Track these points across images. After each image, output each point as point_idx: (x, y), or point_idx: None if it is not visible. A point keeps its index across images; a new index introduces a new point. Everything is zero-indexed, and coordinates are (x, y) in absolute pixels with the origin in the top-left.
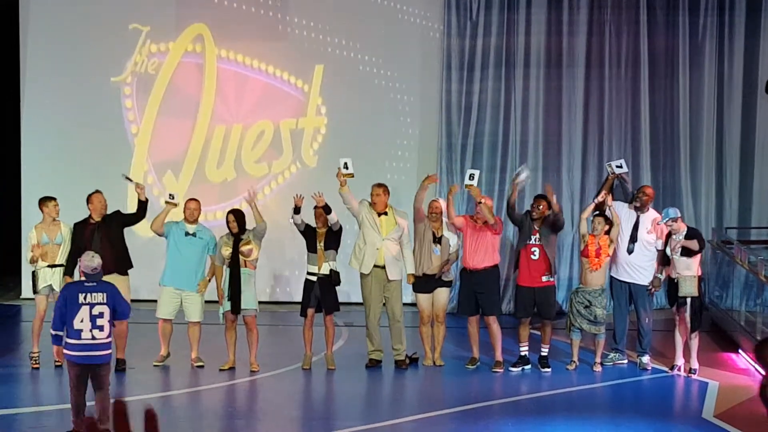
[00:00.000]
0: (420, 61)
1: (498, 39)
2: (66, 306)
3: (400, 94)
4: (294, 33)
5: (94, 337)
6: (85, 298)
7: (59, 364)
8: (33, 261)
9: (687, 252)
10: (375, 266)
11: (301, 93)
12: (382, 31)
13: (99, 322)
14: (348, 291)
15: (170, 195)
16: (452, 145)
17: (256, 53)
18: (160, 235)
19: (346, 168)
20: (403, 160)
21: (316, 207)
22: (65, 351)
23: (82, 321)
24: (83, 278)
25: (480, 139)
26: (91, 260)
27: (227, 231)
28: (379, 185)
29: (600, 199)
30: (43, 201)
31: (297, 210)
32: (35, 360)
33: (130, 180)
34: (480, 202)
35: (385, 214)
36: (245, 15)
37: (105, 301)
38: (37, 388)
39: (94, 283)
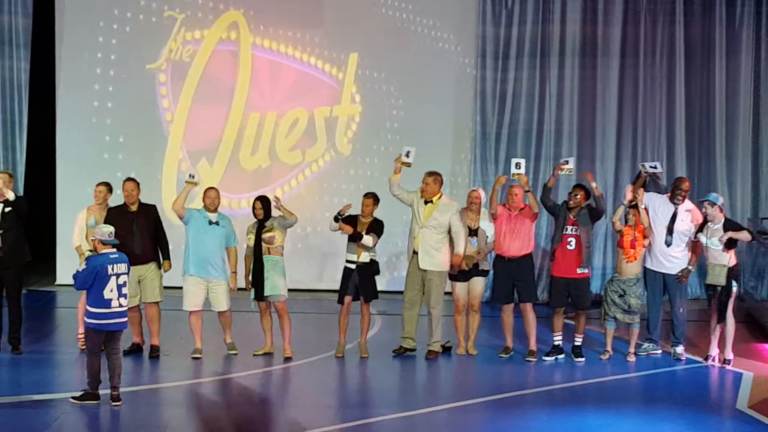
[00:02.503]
0: (454, 50)
1: (533, 27)
2: (96, 278)
3: (434, 82)
4: (329, 21)
5: (120, 305)
6: (113, 269)
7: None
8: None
9: (731, 243)
10: (414, 252)
11: (336, 81)
12: (416, 20)
13: (123, 290)
14: (386, 279)
15: (190, 175)
16: (486, 133)
17: (291, 41)
18: (180, 218)
19: (407, 156)
20: (437, 149)
21: (365, 196)
22: (91, 320)
23: (111, 291)
24: (105, 250)
25: (514, 128)
26: (106, 228)
27: (254, 220)
28: (430, 174)
29: (629, 197)
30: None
31: (339, 217)
32: (83, 341)
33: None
34: (528, 191)
35: (431, 202)
36: (280, 3)
37: (126, 270)
38: (74, 372)
39: (117, 255)
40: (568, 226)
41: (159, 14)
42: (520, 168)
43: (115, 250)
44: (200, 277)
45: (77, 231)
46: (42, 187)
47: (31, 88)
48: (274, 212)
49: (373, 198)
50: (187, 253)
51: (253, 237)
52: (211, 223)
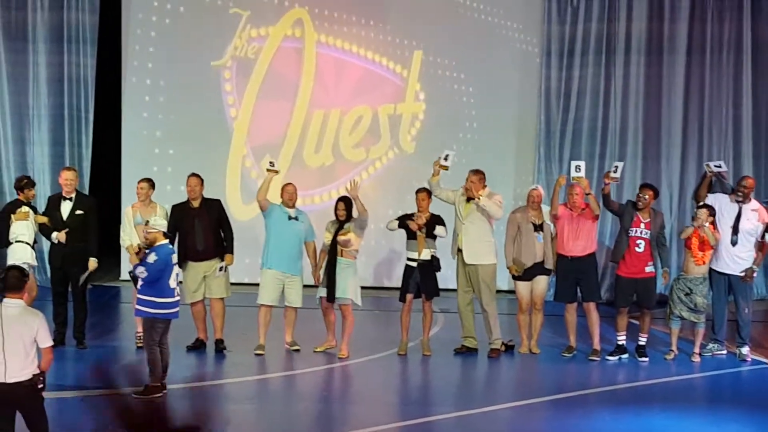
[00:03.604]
0: (519, 48)
1: (598, 25)
2: (166, 268)
3: (498, 80)
4: (393, 19)
5: (178, 294)
6: (172, 260)
7: (140, 345)
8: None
9: None
10: (459, 250)
11: (400, 79)
12: (481, 18)
13: (179, 279)
14: (446, 277)
15: (270, 162)
16: (551, 131)
17: (355, 38)
18: (262, 210)
19: (446, 160)
20: (501, 147)
21: (418, 191)
22: (157, 310)
23: (173, 280)
24: (164, 241)
25: (579, 126)
26: (162, 220)
27: (333, 217)
28: (475, 172)
29: (698, 223)
30: (138, 182)
31: (401, 226)
32: (140, 339)
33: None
34: (589, 194)
35: (473, 199)
36: (345, 0)
37: (177, 261)
38: (137, 368)
39: (171, 246)
40: (634, 228)
41: (224, 11)
42: (580, 171)
43: (167, 241)
44: (279, 272)
45: (127, 229)
46: (107, 182)
47: (98, 84)
48: (354, 214)
49: (426, 192)
50: (266, 248)
51: (330, 237)
52: (290, 218)
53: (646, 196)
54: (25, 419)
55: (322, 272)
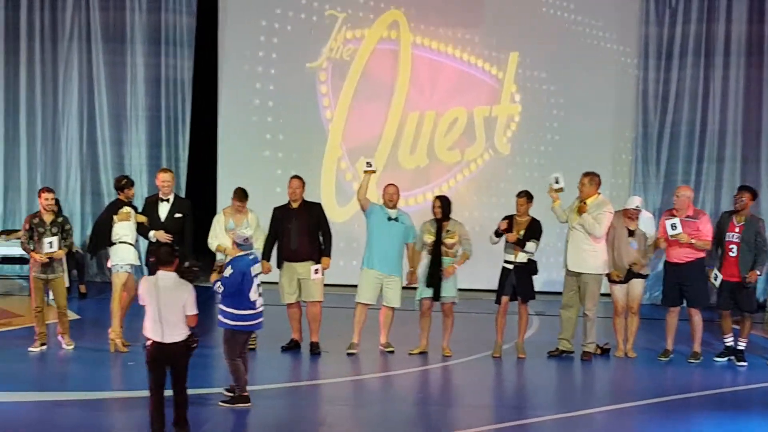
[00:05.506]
0: (616, 50)
1: (697, 26)
2: (243, 280)
3: (595, 82)
4: (489, 20)
5: (262, 304)
6: (252, 271)
7: (253, 346)
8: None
9: None
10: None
11: (496, 80)
12: (577, 20)
13: (260, 290)
14: (543, 280)
15: (367, 163)
16: (648, 134)
17: (451, 40)
18: (362, 209)
19: (557, 183)
20: (597, 150)
21: (518, 195)
22: (236, 322)
23: (253, 293)
24: (241, 253)
25: (677, 129)
26: (243, 232)
27: (426, 219)
28: (586, 174)
29: None
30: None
31: (499, 234)
32: None
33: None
34: (692, 242)
35: (585, 203)
36: (441, 2)
37: (261, 270)
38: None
39: (254, 256)
40: (728, 233)
41: (320, 13)
42: (676, 228)
43: (246, 253)
44: (378, 272)
45: (218, 233)
46: (203, 183)
47: (194, 86)
48: (453, 215)
49: (526, 197)
50: (367, 249)
51: (432, 237)
52: (390, 219)
53: (743, 198)
54: (172, 375)
55: (420, 272)
